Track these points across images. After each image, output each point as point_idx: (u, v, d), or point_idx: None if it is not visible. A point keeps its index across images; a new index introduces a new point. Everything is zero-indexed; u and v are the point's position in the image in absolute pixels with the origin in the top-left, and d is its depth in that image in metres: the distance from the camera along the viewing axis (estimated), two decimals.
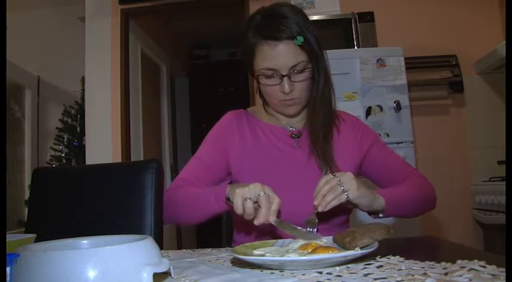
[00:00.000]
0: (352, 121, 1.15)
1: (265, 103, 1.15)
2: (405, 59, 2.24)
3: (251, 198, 0.82)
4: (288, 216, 0.90)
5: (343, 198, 0.87)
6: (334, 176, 0.88)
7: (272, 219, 0.80)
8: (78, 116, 2.99)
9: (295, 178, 1.04)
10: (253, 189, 0.82)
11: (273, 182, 1.01)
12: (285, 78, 0.99)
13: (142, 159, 2.98)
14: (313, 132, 1.06)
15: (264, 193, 0.82)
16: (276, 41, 0.97)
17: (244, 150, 1.08)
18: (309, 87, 1.04)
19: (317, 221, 0.89)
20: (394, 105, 2.18)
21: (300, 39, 0.96)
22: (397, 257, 0.67)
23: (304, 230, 0.83)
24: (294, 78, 0.99)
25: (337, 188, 0.86)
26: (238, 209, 0.83)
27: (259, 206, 0.82)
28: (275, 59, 0.98)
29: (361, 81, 2.18)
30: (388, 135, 2.15)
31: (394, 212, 0.99)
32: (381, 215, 0.99)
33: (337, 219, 1.05)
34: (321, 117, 1.06)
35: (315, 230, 0.87)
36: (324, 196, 0.86)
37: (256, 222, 0.80)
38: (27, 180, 3.21)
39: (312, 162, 1.05)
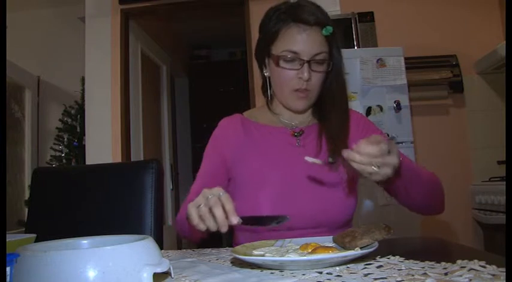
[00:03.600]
0: (356, 118, 1.10)
1: (269, 101, 1.13)
2: (405, 59, 2.24)
3: (203, 204, 0.74)
4: (292, 217, 0.82)
5: (365, 172, 0.75)
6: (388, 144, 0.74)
7: (235, 220, 0.71)
8: (78, 116, 3.00)
9: (297, 177, 1.01)
10: (202, 196, 0.76)
11: (274, 183, 0.99)
12: (306, 65, 0.97)
13: (142, 159, 2.98)
14: (335, 133, 1.02)
15: (213, 195, 0.74)
16: (306, 25, 0.96)
17: (242, 156, 1.05)
18: (322, 82, 1.02)
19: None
20: (394, 105, 2.18)
21: (330, 29, 0.96)
22: (397, 257, 0.67)
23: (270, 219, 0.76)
24: (314, 67, 0.98)
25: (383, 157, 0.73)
26: (195, 220, 0.74)
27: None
28: (301, 43, 0.96)
29: (361, 81, 2.18)
30: (388, 136, 2.15)
31: (402, 183, 0.88)
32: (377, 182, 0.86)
33: (339, 220, 1.01)
34: (342, 115, 1.04)
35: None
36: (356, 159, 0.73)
37: (222, 230, 0.72)
38: (27, 180, 3.21)
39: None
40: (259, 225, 0.74)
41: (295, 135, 1.07)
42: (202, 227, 0.74)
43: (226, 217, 0.71)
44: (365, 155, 0.72)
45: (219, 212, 0.71)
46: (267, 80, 1.08)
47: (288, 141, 1.07)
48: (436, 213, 1.05)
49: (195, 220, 0.74)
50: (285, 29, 0.98)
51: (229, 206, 0.72)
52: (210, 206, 0.72)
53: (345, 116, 1.05)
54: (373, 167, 0.73)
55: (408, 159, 0.94)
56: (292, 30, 0.98)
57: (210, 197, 0.74)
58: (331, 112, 1.04)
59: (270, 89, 1.09)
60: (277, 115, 1.11)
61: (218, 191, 0.74)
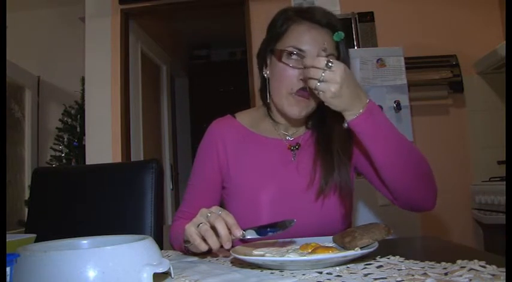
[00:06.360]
0: None
1: (269, 109, 1.06)
2: (405, 59, 2.24)
3: (204, 222, 0.73)
4: (287, 234, 0.78)
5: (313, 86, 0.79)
6: (328, 62, 0.77)
7: (239, 233, 0.70)
8: (78, 116, 3.00)
9: (292, 192, 0.97)
10: (200, 215, 0.75)
11: (269, 197, 0.96)
12: None
13: (142, 159, 2.98)
14: (334, 144, 0.96)
15: (212, 212, 0.73)
16: (316, 24, 0.93)
17: (237, 167, 1.01)
18: None
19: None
20: (394, 105, 2.18)
21: (342, 34, 0.90)
22: (397, 257, 0.67)
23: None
24: None
25: (317, 72, 0.78)
26: (196, 240, 0.72)
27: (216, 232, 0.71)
28: (309, 42, 0.92)
29: (361, 81, 2.18)
30: None
31: (368, 131, 0.84)
32: (345, 124, 0.84)
33: (339, 229, 0.96)
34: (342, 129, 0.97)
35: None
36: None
37: (226, 246, 0.70)
38: (27, 180, 3.22)
39: (311, 176, 0.97)
40: (264, 235, 0.71)
41: (292, 150, 1.02)
42: (203, 247, 0.72)
43: (230, 232, 0.70)
44: (306, 67, 0.80)
45: (221, 226, 0.70)
46: (267, 81, 1.02)
47: (284, 155, 1.01)
48: (426, 205, 0.94)
49: (197, 240, 0.72)
50: (294, 26, 0.95)
51: (231, 220, 0.71)
52: (211, 222, 0.71)
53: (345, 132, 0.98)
54: (317, 83, 0.78)
55: (387, 120, 0.87)
56: (302, 27, 0.94)
57: (209, 214, 0.73)
58: (333, 127, 0.96)
59: (269, 93, 1.02)
60: (275, 123, 1.06)
61: (217, 209, 0.74)
